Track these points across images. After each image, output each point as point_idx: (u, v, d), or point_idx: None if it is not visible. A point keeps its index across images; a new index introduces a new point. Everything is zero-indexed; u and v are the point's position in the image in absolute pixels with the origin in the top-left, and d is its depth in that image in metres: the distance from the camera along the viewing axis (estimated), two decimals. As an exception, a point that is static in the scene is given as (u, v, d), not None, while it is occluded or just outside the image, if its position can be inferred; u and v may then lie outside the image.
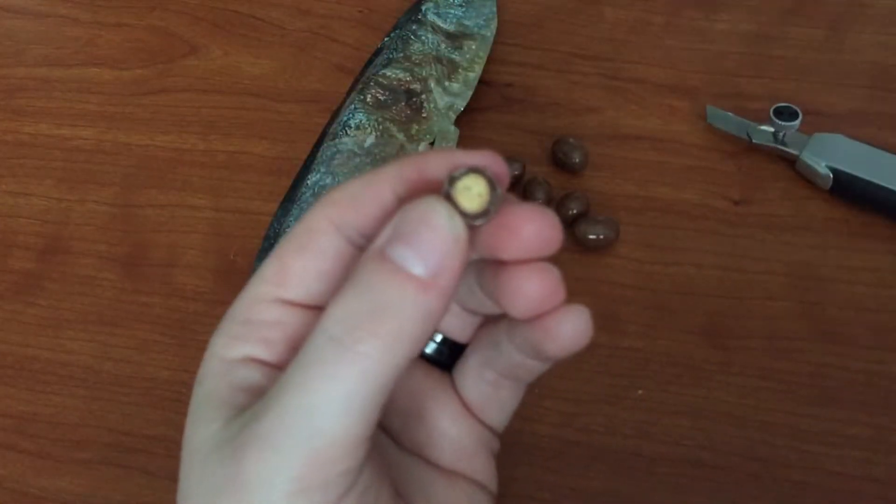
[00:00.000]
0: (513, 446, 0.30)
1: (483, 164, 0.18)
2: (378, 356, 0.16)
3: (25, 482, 0.31)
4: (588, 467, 0.29)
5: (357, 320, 0.16)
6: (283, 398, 0.17)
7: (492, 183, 0.18)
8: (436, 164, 0.18)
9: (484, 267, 0.20)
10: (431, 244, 0.17)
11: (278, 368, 0.19)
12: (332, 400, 0.16)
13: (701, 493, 0.29)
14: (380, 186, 0.19)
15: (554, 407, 0.31)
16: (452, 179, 0.17)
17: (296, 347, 0.19)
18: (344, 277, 0.19)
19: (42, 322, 0.35)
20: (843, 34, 0.40)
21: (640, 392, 0.31)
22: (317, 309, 0.20)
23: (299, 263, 0.19)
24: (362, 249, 0.19)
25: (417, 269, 0.17)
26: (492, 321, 0.22)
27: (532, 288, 0.18)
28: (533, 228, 0.18)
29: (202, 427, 0.18)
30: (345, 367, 0.16)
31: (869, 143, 0.35)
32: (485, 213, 0.17)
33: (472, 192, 0.17)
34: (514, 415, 0.22)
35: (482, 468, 0.22)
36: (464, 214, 0.17)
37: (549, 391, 0.31)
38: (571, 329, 0.18)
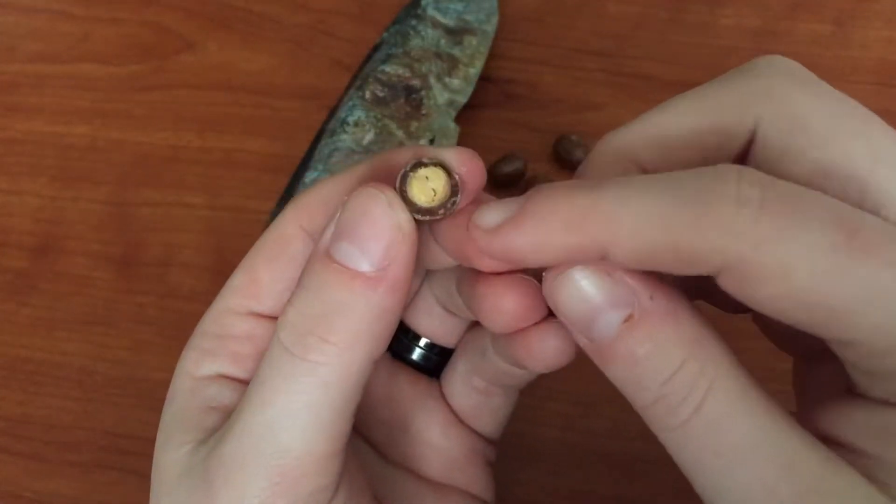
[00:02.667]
0: (515, 449, 0.29)
1: (453, 160, 0.17)
2: (335, 362, 0.15)
3: (19, 485, 0.31)
4: (592, 471, 0.29)
5: (306, 326, 0.15)
6: (243, 416, 0.16)
7: (454, 185, 0.16)
8: (407, 159, 0.17)
9: (461, 274, 0.18)
10: (373, 236, 0.15)
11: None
12: (292, 414, 0.15)
13: (707, 496, 0.28)
14: (351, 187, 0.17)
15: (557, 409, 0.30)
16: (414, 165, 0.16)
17: None
18: None
19: (35, 322, 0.34)
20: (849, 30, 0.40)
21: (644, 394, 0.30)
22: None
23: (271, 273, 0.18)
24: None
25: (363, 265, 0.15)
26: (479, 325, 0.21)
27: (510, 304, 0.16)
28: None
29: (171, 451, 0.17)
30: (300, 378, 0.15)
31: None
32: (433, 212, 0.16)
33: (427, 186, 0.16)
34: (517, 417, 0.22)
35: (476, 479, 0.21)
36: (410, 205, 0.16)
37: (552, 393, 0.30)
38: (554, 347, 0.17)
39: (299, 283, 0.16)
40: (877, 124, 0.16)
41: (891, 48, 0.39)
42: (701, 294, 0.20)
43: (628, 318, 0.15)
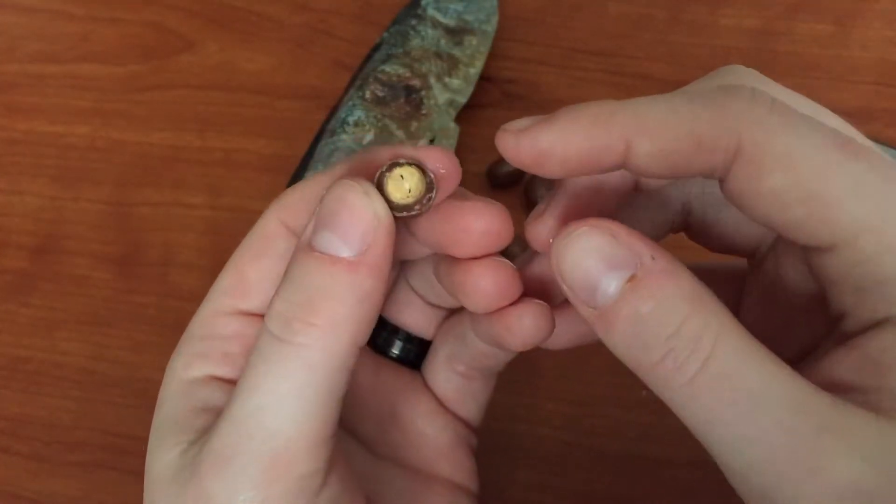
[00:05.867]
0: (515, 449, 0.30)
1: (429, 160, 0.17)
2: (320, 345, 0.16)
3: (19, 485, 0.31)
4: (592, 470, 0.29)
5: (292, 313, 0.16)
6: (232, 408, 0.16)
7: (430, 183, 0.17)
8: (384, 159, 0.18)
9: (439, 261, 0.19)
10: (351, 223, 0.16)
11: None
12: (281, 397, 0.16)
13: (707, 495, 0.28)
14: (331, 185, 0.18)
15: (557, 409, 0.30)
16: (391, 166, 0.17)
17: None
18: None
19: (35, 322, 0.34)
20: (849, 29, 0.40)
21: (644, 393, 0.30)
22: None
23: (257, 271, 0.19)
24: None
25: (343, 250, 0.16)
26: (456, 313, 0.22)
27: (487, 284, 0.18)
28: (482, 225, 0.17)
29: (162, 454, 0.17)
30: (288, 361, 0.16)
31: (875, 140, 0.34)
32: (409, 208, 0.17)
33: (404, 185, 0.17)
34: (517, 417, 0.22)
35: (461, 467, 0.22)
36: (388, 202, 0.17)
37: (551, 393, 0.30)
38: (531, 324, 0.18)
39: (285, 275, 0.17)
40: (848, 147, 0.16)
41: (891, 48, 0.39)
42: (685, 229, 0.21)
43: (631, 279, 0.15)
